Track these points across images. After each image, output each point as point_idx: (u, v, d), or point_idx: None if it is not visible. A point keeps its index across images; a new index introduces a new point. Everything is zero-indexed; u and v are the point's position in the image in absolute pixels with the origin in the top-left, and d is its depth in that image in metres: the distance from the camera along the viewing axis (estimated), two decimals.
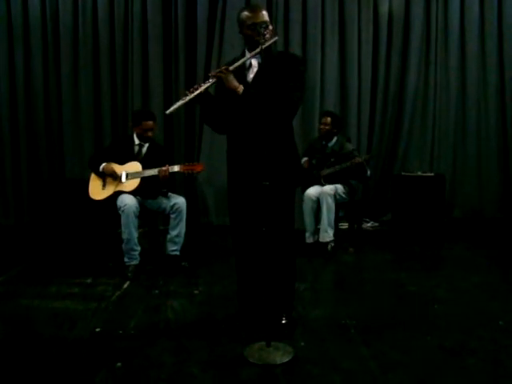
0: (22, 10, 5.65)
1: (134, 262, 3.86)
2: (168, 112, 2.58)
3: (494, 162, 6.00)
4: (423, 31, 5.87)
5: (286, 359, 2.37)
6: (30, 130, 5.80)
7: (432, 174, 5.52)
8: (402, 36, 5.89)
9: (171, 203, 3.98)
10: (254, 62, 2.68)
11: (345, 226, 5.34)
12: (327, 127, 4.72)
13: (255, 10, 2.64)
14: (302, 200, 4.63)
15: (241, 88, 2.56)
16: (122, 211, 3.78)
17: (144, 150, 4.11)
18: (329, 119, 4.73)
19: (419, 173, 5.55)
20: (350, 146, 4.81)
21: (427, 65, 5.90)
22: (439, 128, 5.97)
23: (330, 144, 4.78)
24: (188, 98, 2.56)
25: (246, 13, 2.63)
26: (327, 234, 4.46)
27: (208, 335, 2.69)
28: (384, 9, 5.84)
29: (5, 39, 5.68)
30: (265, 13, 2.62)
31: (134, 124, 4.10)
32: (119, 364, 2.35)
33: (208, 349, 2.52)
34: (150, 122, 4.03)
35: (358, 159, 4.55)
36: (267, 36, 2.56)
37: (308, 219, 4.58)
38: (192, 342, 2.60)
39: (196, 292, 3.47)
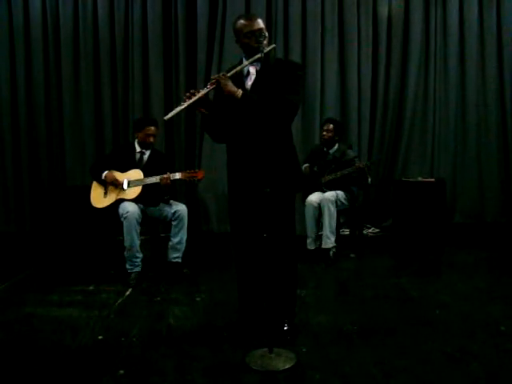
0: (23, 19, 5.68)
1: (136, 270, 3.87)
2: (166, 118, 2.56)
3: (495, 167, 6.02)
4: (422, 37, 5.90)
5: (288, 365, 2.37)
6: (31, 138, 5.82)
7: (433, 180, 5.52)
8: (401, 42, 5.91)
9: (172, 210, 3.99)
10: (252, 70, 2.69)
11: (346, 232, 5.35)
12: (330, 134, 4.73)
13: (251, 18, 2.66)
14: (303, 206, 4.64)
15: (239, 92, 2.55)
16: (125, 218, 3.80)
17: (145, 157, 4.13)
18: (331, 126, 4.74)
19: (420, 178, 5.56)
20: (351, 153, 4.82)
21: (427, 71, 5.93)
22: (439, 133, 5.99)
23: (332, 151, 4.79)
24: (186, 103, 2.55)
25: (242, 21, 2.64)
26: (329, 241, 4.47)
27: (210, 342, 2.69)
28: (383, 15, 5.87)
29: (6, 52, 5.71)
30: (260, 20, 2.64)
31: (136, 129, 4.14)
32: (122, 371, 2.35)
33: (210, 355, 2.52)
34: (153, 128, 4.08)
35: (358, 165, 4.56)
36: (265, 42, 2.59)
37: (309, 225, 4.59)
38: (194, 348, 2.61)
39: (198, 299, 3.48)
